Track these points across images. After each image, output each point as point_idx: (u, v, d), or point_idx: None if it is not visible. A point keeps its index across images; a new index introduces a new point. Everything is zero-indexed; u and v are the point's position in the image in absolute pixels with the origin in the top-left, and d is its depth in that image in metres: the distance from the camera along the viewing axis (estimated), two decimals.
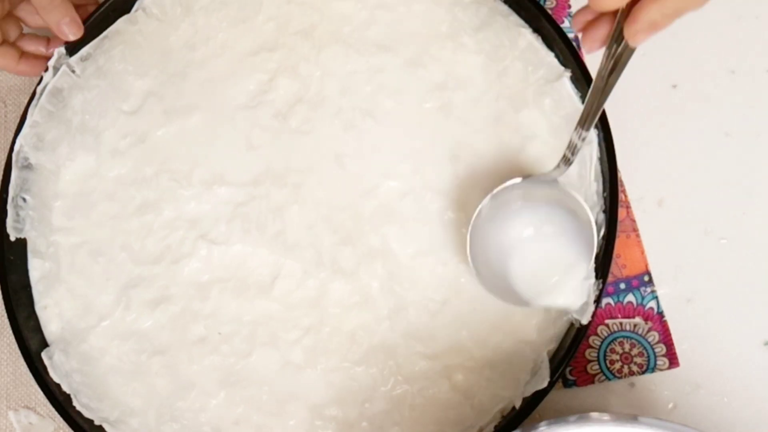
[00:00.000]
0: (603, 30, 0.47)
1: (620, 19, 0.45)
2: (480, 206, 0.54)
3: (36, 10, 0.58)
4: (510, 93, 0.59)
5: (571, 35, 0.62)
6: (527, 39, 0.59)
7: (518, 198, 0.55)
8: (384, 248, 0.57)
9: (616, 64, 0.46)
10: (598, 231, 0.54)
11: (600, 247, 0.54)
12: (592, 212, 0.53)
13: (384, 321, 0.56)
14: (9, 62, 0.60)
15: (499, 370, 0.55)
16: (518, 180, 0.54)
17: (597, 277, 0.54)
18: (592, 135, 0.56)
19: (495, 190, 0.54)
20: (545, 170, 0.55)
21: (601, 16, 0.47)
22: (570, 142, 0.51)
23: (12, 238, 0.58)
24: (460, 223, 0.57)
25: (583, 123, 0.50)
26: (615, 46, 0.46)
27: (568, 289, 0.53)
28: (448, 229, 0.57)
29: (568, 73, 0.57)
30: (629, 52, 0.46)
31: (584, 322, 0.53)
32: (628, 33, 0.44)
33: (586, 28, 0.48)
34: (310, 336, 0.56)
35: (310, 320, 0.57)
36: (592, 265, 0.53)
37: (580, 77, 0.57)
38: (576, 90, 0.57)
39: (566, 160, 0.52)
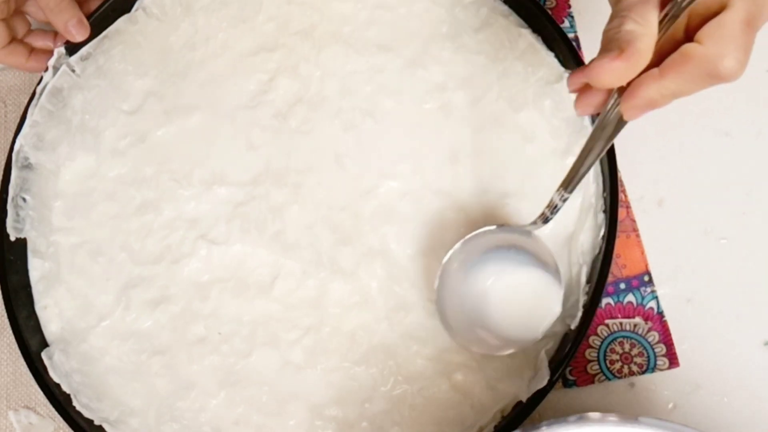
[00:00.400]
0: (598, 98, 0.46)
1: (618, 90, 0.44)
2: (451, 252, 0.54)
3: (43, 11, 0.58)
4: (510, 94, 0.59)
5: (571, 35, 0.62)
6: (527, 39, 0.59)
7: (491, 244, 0.54)
8: (383, 248, 0.57)
9: (606, 133, 0.45)
10: (602, 226, 0.55)
11: (600, 247, 0.54)
12: (588, 212, 0.54)
13: (383, 321, 0.56)
14: (19, 60, 0.60)
15: (498, 370, 0.55)
16: (493, 227, 0.54)
17: (597, 279, 0.54)
18: None
19: (467, 237, 0.54)
20: (541, 179, 0.56)
21: None
22: (550, 201, 0.51)
23: (12, 238, 0.58)
24: (460, 223, 0.57)
25: (567, 186, 0.49)
26: (608, 115, 0.45)
27: (539, 333, 0.52)
28: (447, 230, 0.57)
29: (568, 74, 0.57)
30: (622, 124, 0.45)
31: (572, 326, 0.53)
32: (624, 107, 0.43)
33: (582, 90, 0.46)
34: (309, 336, 0.56)
35: (310, 320, 0.57)
36: (559, 310, 0.52)
37: None
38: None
39: (544, 218, 0.52)
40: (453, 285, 0.54)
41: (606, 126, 0.46)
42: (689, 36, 0.41)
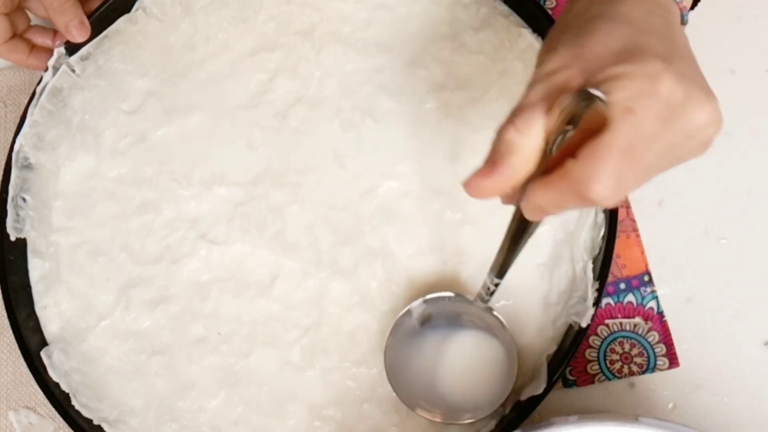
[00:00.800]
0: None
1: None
2: (408, 307, 0.55)
3: (46, 9, 0.58)
4: (510, 93, 0.59)
5: None
6: (527, 39, 0.59)
7: (446, 310, 0.55)
8: (383, 248, 0.57)
9: (524, 229, 0.43)
10: (598, 231, 0.55)
11: (600, 247, 0.54)
12: (589, 210, 0.54)
13: (383, 321, 0.56)
14: (20, 56, 0.60)
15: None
16: (451, 294, 0.55)
17: (596, 278, 0.54)
18: None
19: (428, 296, 0.54)
20: None
21: None
22: (483, 284, 0.50)
23: (12, 238, 0.58)
24: (460, 223, 0.57)
25: (497, 271, 0.48)
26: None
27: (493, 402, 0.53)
28: (447, 230, 0.57)
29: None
30: (535, 224, 0.42)
31: (583, 325, 0.53)
32: (523, 208, 0.40)
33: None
34: (309, 336, 0.56)
35: (310, 320, 0.57)
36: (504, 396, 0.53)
37: None
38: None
39: (482, 299, 0.52)
40: (402, 356, 0.55)
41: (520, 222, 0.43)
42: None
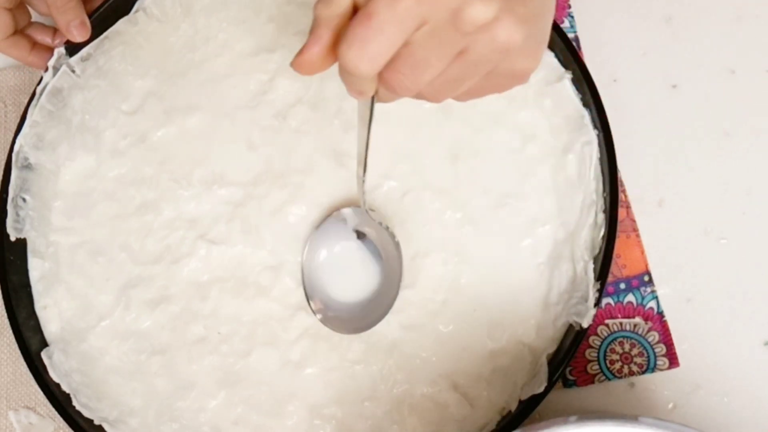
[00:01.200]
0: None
1: None
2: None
3: (48, 7, 0.58)
4: (510, 93, 0.59)
5: (571, 35, 0.62)
6: None
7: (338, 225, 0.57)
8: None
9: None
10: (598, 231, 0.55)
11: (600, 248, 0.54)
12: (590, 210, 0.55)
13: (383, 320, 0.56)
14: (22, 53, 0.60)
15: (498, 371, 0.55)
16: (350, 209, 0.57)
17: (597, 279, 0.54)
18: (593, 136, 0.56)
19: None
20: (542, 178, 0.57)
21: None
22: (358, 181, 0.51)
23: (12, 238, 0.58)
24: (460, 223, 0.57)
25: (363, 165, 0.48)
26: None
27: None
28: (447, 229, 0.57)
29: (568, 75, 0.57)
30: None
31: (585, 325, 0.53)
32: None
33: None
34: (309, 335, 0.56)
35: (310, 320, 0.57)
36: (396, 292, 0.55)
37: (581, 78, 0.56)
38: (576, 91, 0.57)
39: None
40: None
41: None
42: None
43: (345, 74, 0.38)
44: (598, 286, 0.53)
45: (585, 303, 0.53)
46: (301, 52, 0.38)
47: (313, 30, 0.38)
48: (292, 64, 0.39)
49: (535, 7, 0.38)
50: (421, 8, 0.35)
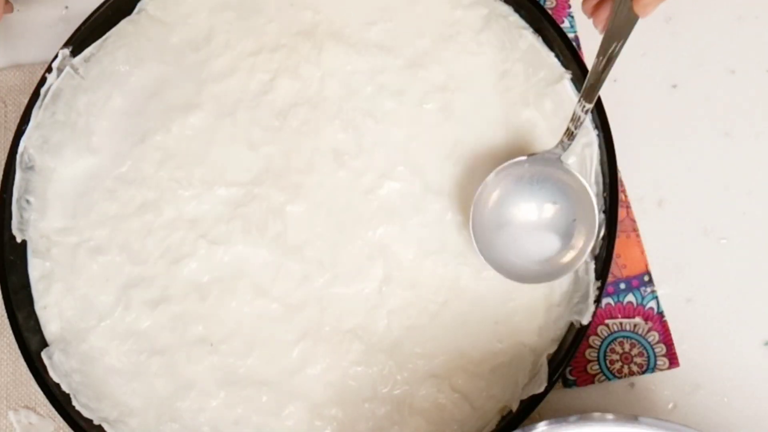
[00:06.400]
0: (607, 10, 0.50)
1: None
2: (484, 182, 0.55)
3: None
4: (511, 95, 0.59)
5: (571, 35, 0.62)
6: (528, 40, 0.59)
7: (523, 174, 0.56)
8: (384, 249, 0.57)
9: (620, 35, 0.48)
10: (599, 231, 0.55)
11: (600, 247, 0.54)
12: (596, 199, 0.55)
13: (383, 321, 0.56)
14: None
15: (498, 371, 0.55)
16: (523, 158, 0.55)
17: (597, 278, 0.54)
18: (593, 137, 0.56)
19: (499, 167, 0.55)
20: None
21: None
22: (574, 114, 0.52)
23: (18, 240, 0.58)
24: (461, 224, 0.57)
25: (587, 95, 0.51)
26: (615, 20, 0.48)
27: (565, 266, 0.54)
28: (448, 231, 0.57)
29: (568, 75, 0.57)
30: (631, 26, 0.47)
31: (584, 322, 0.53)
32: (638, 6, 0.46)
33: (594, 11, 0.51)
34: (309, 336, 0.56)
35: (310, 320, 0.57)
36: (594, 244, 0.54)
37: (581, 78, 0.57)
38: (576, 92, 0.57)
39: (570, 134, 0.53)
40: (484, 216, 0.56)
41: (615, 32, 0.48)
42: None
43: None
44: (598, 284, 0.53)
45: (585, 301, 0.53)
46: None
47: None
48: None
49: None
50: None
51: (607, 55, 0.49)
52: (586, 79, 0.51)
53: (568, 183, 0.54)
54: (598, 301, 0.53)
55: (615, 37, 0.48)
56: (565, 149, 0.54)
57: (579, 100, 0.51)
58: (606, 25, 0.50)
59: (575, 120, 0.52)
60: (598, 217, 0.54)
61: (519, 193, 0.56)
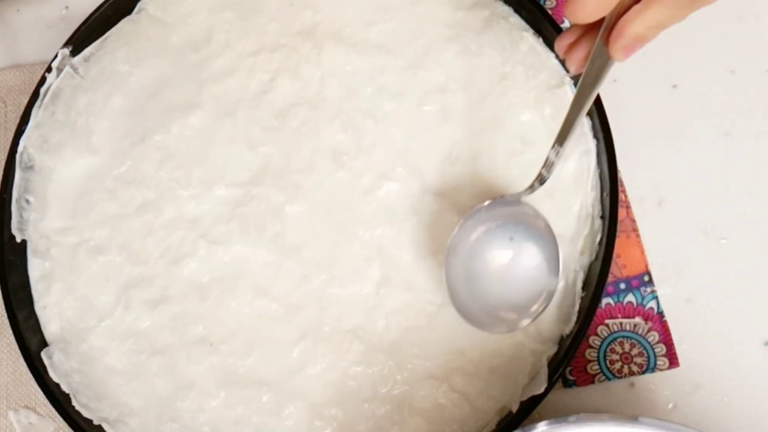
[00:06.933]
0: (583, 51, 0.46)
1: (601, 34, 0.44)
2: (452, 234, 0.54)
3: None
4: (511, 97, 0.59)
5: None
6: (529, 42, 0.59)
7: (487, 220, 0.54)
8: (383, 250, 0.57)
9: (596, 81, 0.45)
10: (599, 231, 0.55)
11: (600, 248, 0.55)
12: (586, 221, 0.54)
13: (383, 322, 0.56)
14: None
15: (497, 372, 0.55)
16: (486, 203, 0.54)
17: (597, 278, 0.54)
18: (591, 146, 0.56)
19: (462, 220, 0.54)
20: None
21: (581, 37, 0.46)
22: (547, 160, 0.51)
23: (18, 240, 0.58)
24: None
25: (561, 140, 0.49)
26: (594, 64, 0.45)
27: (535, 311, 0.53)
28: (447, 232, 0.57)
29: (570, 79, 0.57)
30: (608, 68, 0.45)
31: (566, 332, 0.53)
32: (614, 49, 0.43)
33: (568, 51, 0.47)
34: (309, 336, 0.56)
35: (309, 320, 0.57)
36: (561, 282, 0.53)
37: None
38: None
39: (541, 179, 0.52)
40: (456, 267, 0.54)
41: (592, 75, 0.46)
42: None
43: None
44: (582, 294, 0.54)
45: (573, 309, 0.54)
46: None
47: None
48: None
49: None
50: None
51: (581, 105, 0.47)
52: (560, 128, 0.49)
53: (534, 223, 0.53)
54: (594, 305, 0.53)
55: (591, 83, 0.46)
56: (534, 191, 0.53)
57: (553, 146, 0.50)
58: (580, 67, 0.47)
59: (548, 165, 0.51)
60: (561, 253, 0.52)
61: (484, 242, 0.54)
